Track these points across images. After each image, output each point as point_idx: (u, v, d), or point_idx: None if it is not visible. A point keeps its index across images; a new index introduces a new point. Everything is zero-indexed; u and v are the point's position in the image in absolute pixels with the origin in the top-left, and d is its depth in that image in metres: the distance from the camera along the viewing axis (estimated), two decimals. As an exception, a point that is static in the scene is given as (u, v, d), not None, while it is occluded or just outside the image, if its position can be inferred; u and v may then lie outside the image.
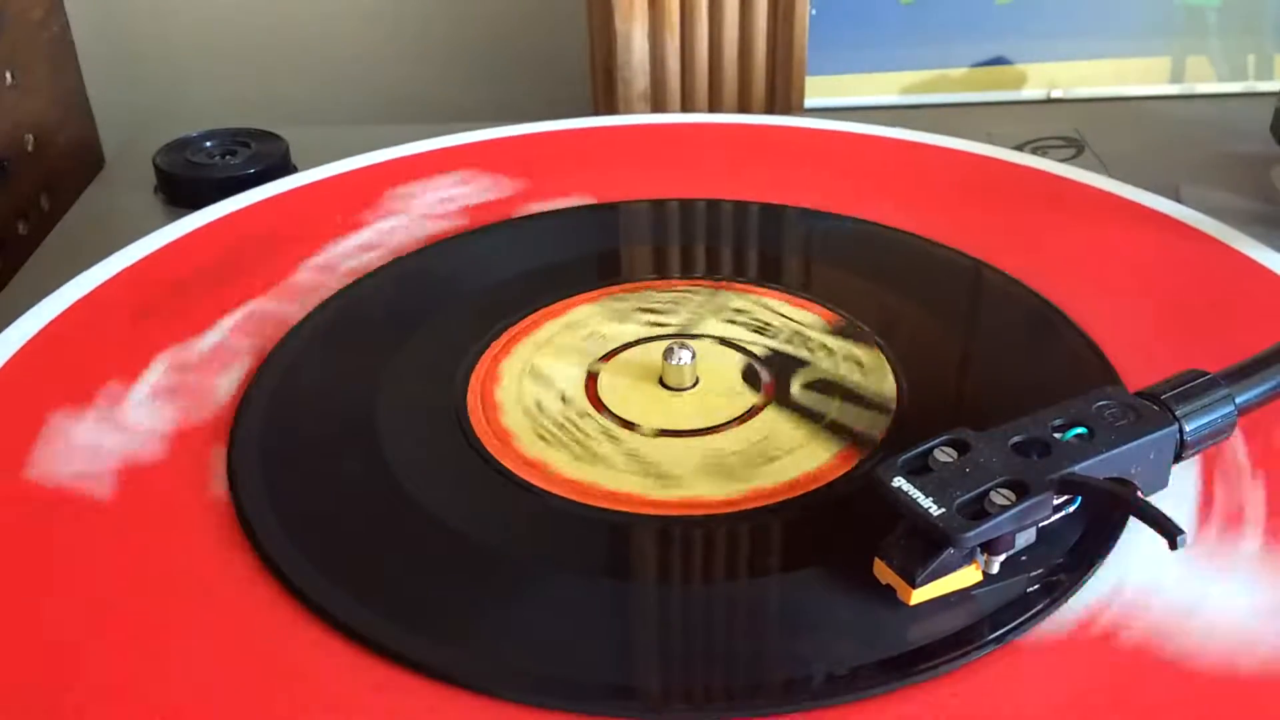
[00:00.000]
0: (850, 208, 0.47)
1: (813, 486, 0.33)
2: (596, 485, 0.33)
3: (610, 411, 0.36)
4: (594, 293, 0.42)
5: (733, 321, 0.40)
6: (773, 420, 0.35)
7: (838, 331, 0.39)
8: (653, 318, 0.40)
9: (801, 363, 0.38)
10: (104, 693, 0.27)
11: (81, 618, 0.29)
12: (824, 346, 0.38)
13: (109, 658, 0.28)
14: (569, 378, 0.37)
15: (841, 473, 0.33)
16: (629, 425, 0.35)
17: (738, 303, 0.41)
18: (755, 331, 0.39)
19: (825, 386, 0.37)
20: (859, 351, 0.38)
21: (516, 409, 0.36)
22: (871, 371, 0.37)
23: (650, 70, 0.60)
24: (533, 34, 0.72)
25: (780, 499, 0.32)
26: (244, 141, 0.55)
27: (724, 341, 0.39)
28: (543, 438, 0.35)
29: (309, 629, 0.28)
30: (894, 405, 0.36)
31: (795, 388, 0.37)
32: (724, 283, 0.42)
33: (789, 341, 0.39)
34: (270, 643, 0.28)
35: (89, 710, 0.26)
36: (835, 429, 0.35)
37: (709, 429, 0.35)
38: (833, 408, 0.36)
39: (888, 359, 0.38)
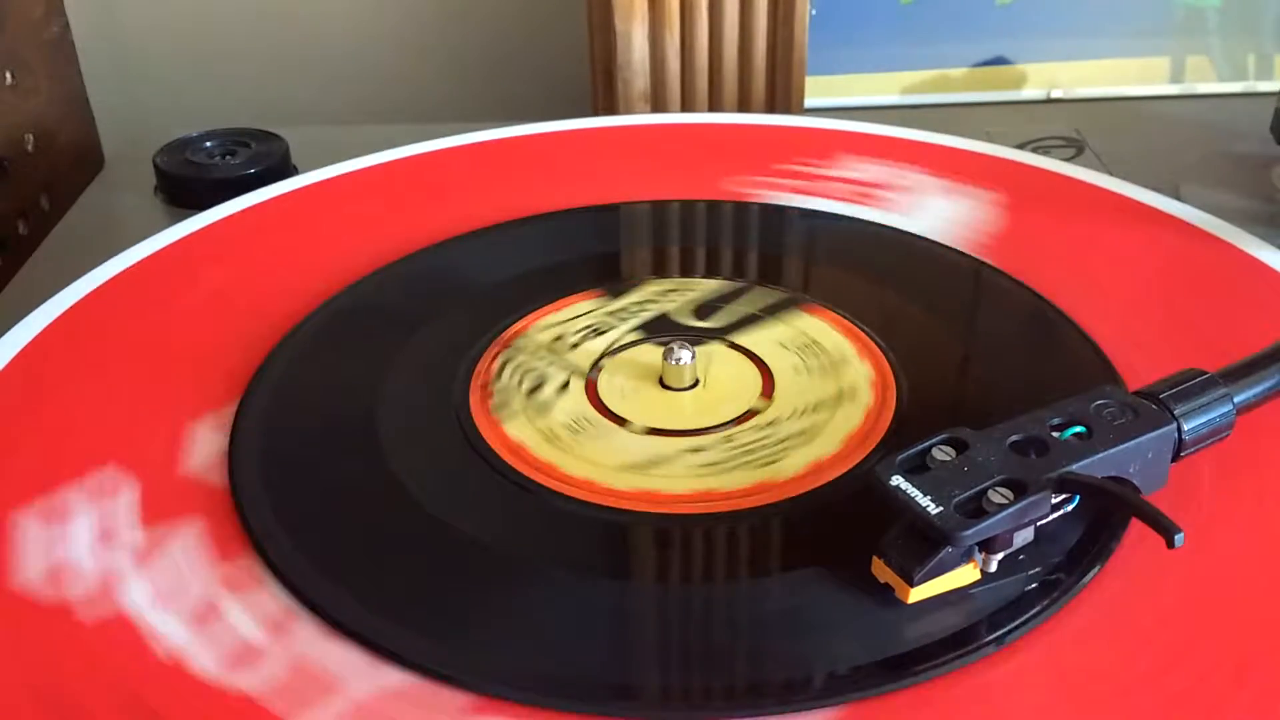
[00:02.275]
0: (850, 207, 0.47)
1: (812, 486, 0.33)
2: (596, 484, 0.33)
3: (610, 411, 0.36)
4: (594, 292, 0.42)
5: (762, 332, 0.40)
6: (772, 420, 0.35)
7: (838, 332, 0.39)
8: (687, 316, 0.40)
9: (802, 363, 0.38)
10: (72, 638, 0.27)
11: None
12: (824, 346, 0.38)
13: (109, 657, 0.28)
14: (577, 362, 0.37)
15: (841, 473, 0.33)
16: (619, 421, 0.35)
17: (776, 314, 0.41)
18: (779, 344, 0.39)
19: (825, 387, 0.37)
20: (859, 351, 0.38)
21: (514, 383, 0.36)
22: (872, 372, 0.37)
23: (650, 70, 0.60)
24: (533, 34, 0.72)
25: (779, 499, 0.32)
26: (244, 141, 0.55)
27: (734, 345, 0.39)
28: (522, 414, 0.35)
29: (309, 629, 0.28)
30: (894, 406, 0.36)
31: (795, 388, 0.37)
32: (724, 283, 0.42)
33: (808, 360, 0.39)
34: (270, 642, 0.28)
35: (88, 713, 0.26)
36: (835, 430, 0.35)
37: (709, 429, 0.35)
38: (833, 408, 0.36)
39: (888, 359, 0.38)
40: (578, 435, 0.35)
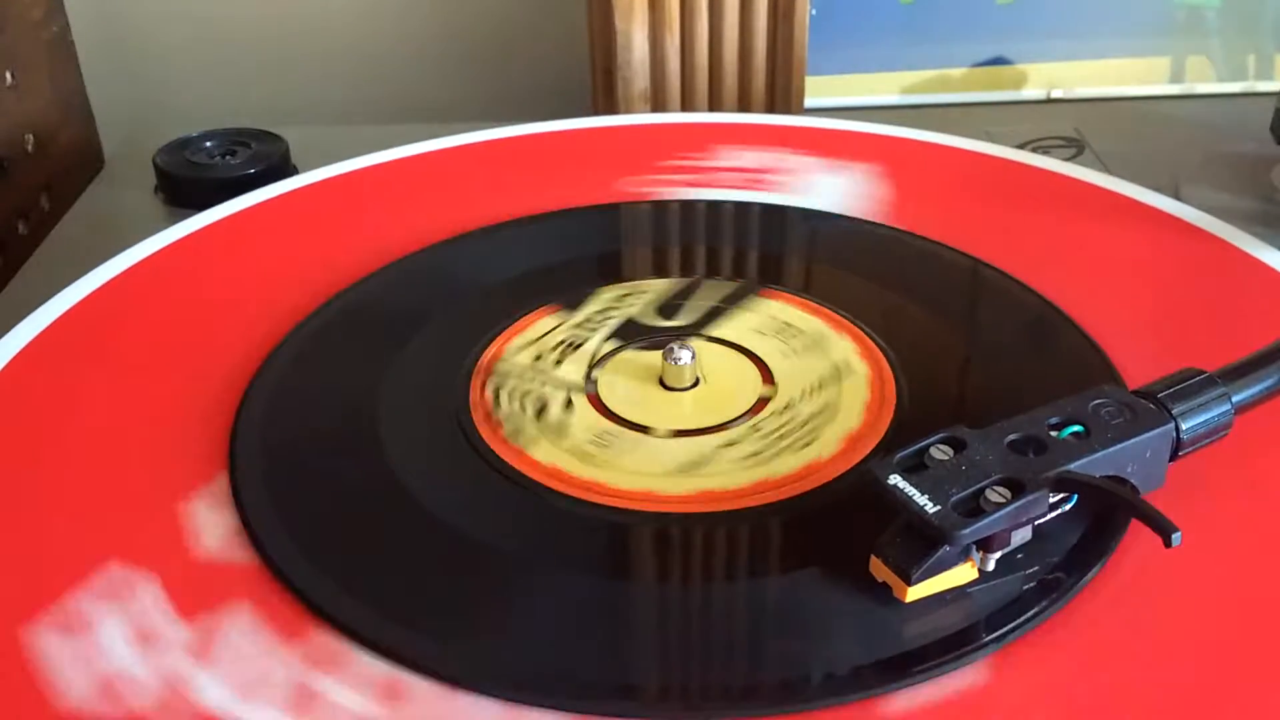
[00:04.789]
0: (850, 208, 0.47)
1: (812, 486, 0.33)
2: (596, 484, 0.33)
3: (610, 411, 0.36)
4: (594, 292, 0.42)
5: (733, 322, 0.40)
6: (772, 420, 0.35)
7: (838, 332, 0.39)
8: (653, 317, 0.40)
9: (802, 363, 0.38)
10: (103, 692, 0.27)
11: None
12: (824, 347, 0.39)
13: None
14: (569, 377, 0.37)
15: (840, 472, 0.33)
16: (628, 424, 0.35)
17: (738, 303, 0.41)
18: (755, 332, 0.39)
19: (825, 387, 0.37)
20: (859, 352, 0.38)
21: (517, 408, 0.36)
22: (872, 372, 0.37)
23: (650, 70, 0.60)
24: (533, 34, 0.72)
25: (779, 499, 0.32)
26: (244, 141, 0.55)
27: (724, 341, 0.39)
28: (542, 437, 0.35)
29: (309, 629, 0.28)
30: (894, 406, 0.36)
31: (795, 388, 0.37)
32: (724, 283, 0.42)
33: (789, 342, 0.39)
34: (269, 642, 0.28)
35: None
36: (835, 430, 0.35)
37: (708, 429, 0.35)
38: (833, 409, 0.36)
39: (888, 359, 0.38)
40: (608, 449, 0.34)
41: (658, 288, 0.42)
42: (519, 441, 0.35)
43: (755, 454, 0.34)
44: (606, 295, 0.41)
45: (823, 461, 0.33)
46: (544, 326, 0.40)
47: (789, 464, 0.33)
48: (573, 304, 0.41)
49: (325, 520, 0.32)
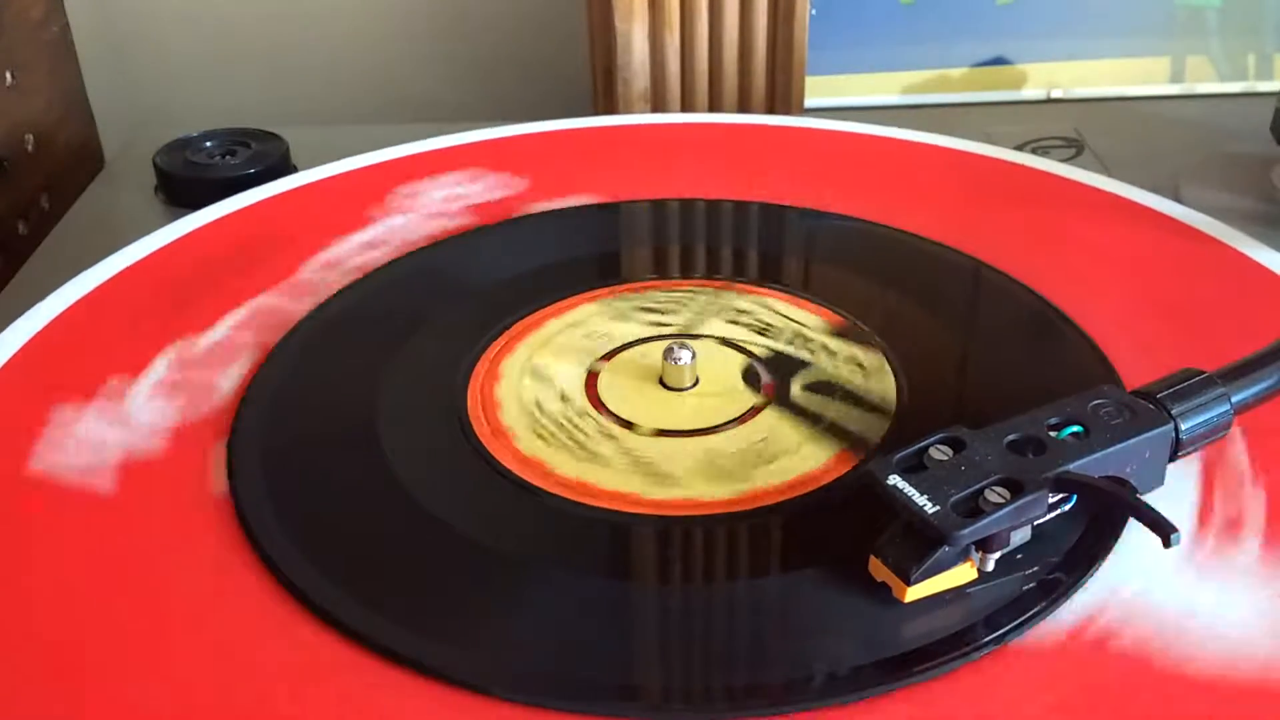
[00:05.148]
0: (851, 208, 0.47)
1: (812, 487, 0.33)
2: (596, 485, 0.33)
3: (610, 411, 0.36)
4: (594, 292, 0.42)
5: (734, 322, 0.40)
6: (772, 421, 0.35)
7: (838, 332, 0.39)
8: (653, 318, 0.40)
9: (802, 364, 0.38)
10: (103, 691, 0.27)
11: (82, 614, 0.29)
12: (825, 347, 0.39)
13: (108, 656, 0.28)
14: (569, 377, 0.37)
15: (841, 473, 0.33)
16: (628, 425, 0.35)
17: (739, 303, 0.41)
18: (756, 332, 0.39)
19: (826, 388, 0.37)
20: (860, 352, 0.38)
21: (516, 408, 0.36)
22: (872, 373, 0.37)
23: (650, 70, 0.60)
24: (533, 34, 0.72)
25: (779, 499, 0.32)
26: (244, 141, 0.55)
27: (725, 342, 0.39)
28: (542, 437, 0.35)
29: (308, 629, 0.28)
30: (894, 406, 0.36)
31: (795, 389, 0.37)
32: (724, 283, 0.42)
33: (790, 342, 0.39)
34: (269, 642, 0.28)
35: (88, 709, 0.26)
36: (835, 430, 0.35)
37: (708, 429, 0.35)
38: (833, 409, 0.36)
39: (888, 359, 0.38)
40: (577, 435, 0.35)
41: (682, 286, 0.42)
42: (508, 429, 0.35)
43: (733, 460, 0.34)
44: (633, 289, 0.42)
45: (806, 473, 0.33)
46: (564, 318, 0.40)
47: (766, 473, 0.33)
48: (597, 296, 0.41)
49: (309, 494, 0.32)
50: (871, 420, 0.35)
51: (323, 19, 0.72)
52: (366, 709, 0.26)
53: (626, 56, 0.60)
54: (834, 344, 0.39)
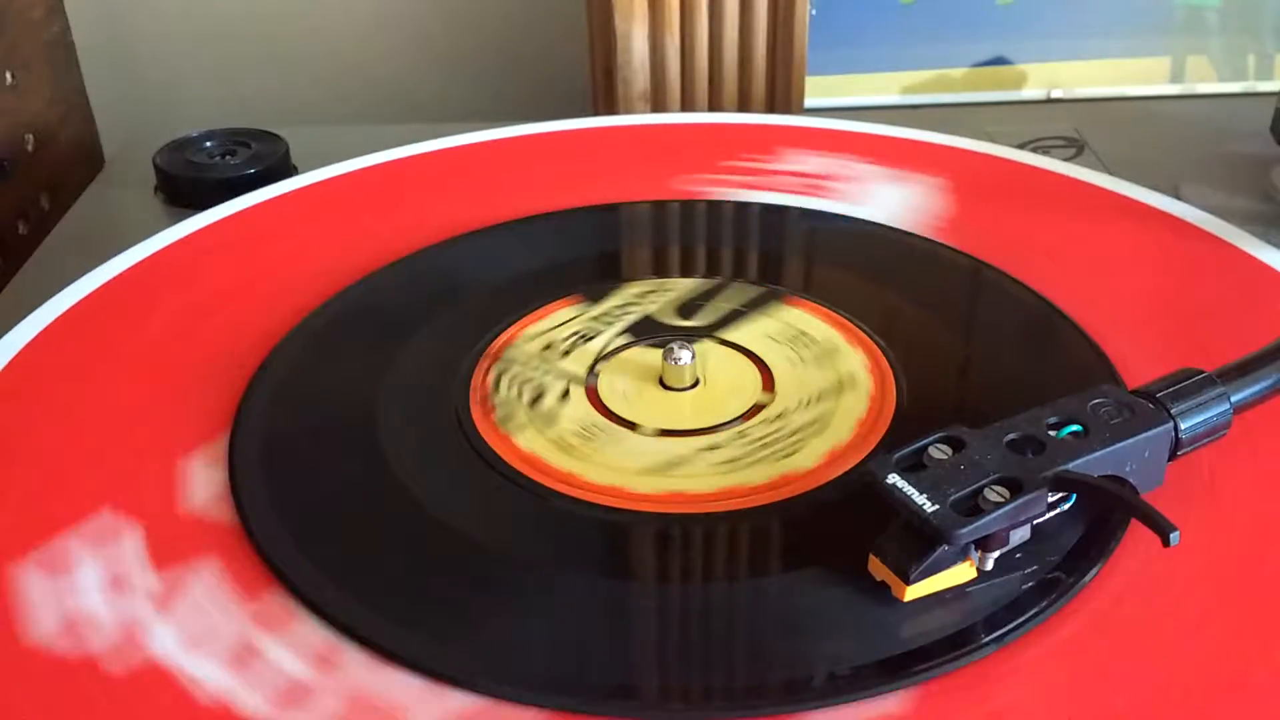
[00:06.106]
0: (850, 207, 0.47)
1: (812, 486, 0.33)
2: (596, 484, 0.33)
3: (610, 411, 0.36)
4: (594, 292, 0.42)
5: (734, 322, 0.40)
6: (772, 420, 0.35)
7: (839, 332, 0.39)
8: (671, 316, 0.40)
9: (802, 364, 0.38)
10: (104, 692, 0.27)
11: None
12: (824, 347, 0.39)
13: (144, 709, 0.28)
14: (569, 377, 0.37)
15: (840, 473, 0.33)
16: (629, 425, 0.35)
17: (718, 299, 0.41)
18: (743, 327, 0.39)
19: (824, 376, 0.37)
20: (860, 352, 0.38)
21: (516, 408, 0.36)
22: (872, 372, 0.37)
23: (650, 70, 0.60)
24: (533, 34, 0.72)
25: (779, 499, 0.32)
26: (244, 141, 0.55)
27: (724, 342, 0.39)
28: (542, 437, 0.35)
29: (308, 628, 0.28)
30: (894, 406, 0.36)
31: (795, 379, 0.37)
32: (724, 283, 0.42)
33: (790, 342, 0.39)
34: (320, 677, 0.28)
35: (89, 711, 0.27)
36: (835, 430, 0.35)
37: (708, 429, 0.35)
38: (833, 409, 0.36)
39: (888, 359, 0.38)
40: (590, 442, 0.35)
41: (682, 286, 0.42)
42: (506, 427, 0.35)
43: (733, 460, 0.34)
44: (629, 291, 0.42)
45: (799, 473, 0.33)
46: (561, 317, 0.40)
47: (764, 473, 0.33)
48: (594, 297, 0.41)
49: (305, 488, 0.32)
50: (876, 406, 0.35)
51: (323, 19, 0.72)
52: (366, 708, 0.26)
53: (626, 57, 0.60)
54: (822, 333, 0.39)
